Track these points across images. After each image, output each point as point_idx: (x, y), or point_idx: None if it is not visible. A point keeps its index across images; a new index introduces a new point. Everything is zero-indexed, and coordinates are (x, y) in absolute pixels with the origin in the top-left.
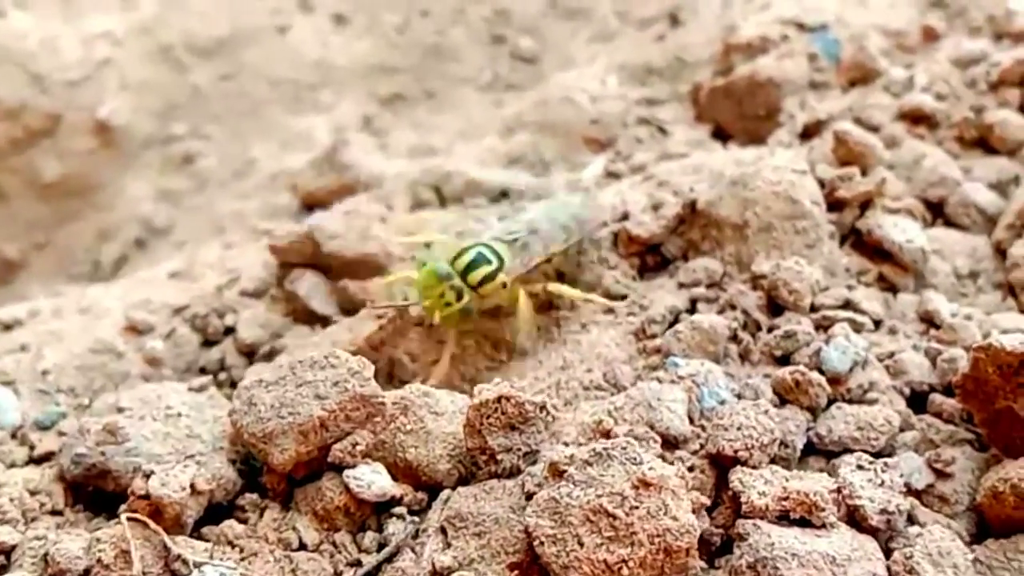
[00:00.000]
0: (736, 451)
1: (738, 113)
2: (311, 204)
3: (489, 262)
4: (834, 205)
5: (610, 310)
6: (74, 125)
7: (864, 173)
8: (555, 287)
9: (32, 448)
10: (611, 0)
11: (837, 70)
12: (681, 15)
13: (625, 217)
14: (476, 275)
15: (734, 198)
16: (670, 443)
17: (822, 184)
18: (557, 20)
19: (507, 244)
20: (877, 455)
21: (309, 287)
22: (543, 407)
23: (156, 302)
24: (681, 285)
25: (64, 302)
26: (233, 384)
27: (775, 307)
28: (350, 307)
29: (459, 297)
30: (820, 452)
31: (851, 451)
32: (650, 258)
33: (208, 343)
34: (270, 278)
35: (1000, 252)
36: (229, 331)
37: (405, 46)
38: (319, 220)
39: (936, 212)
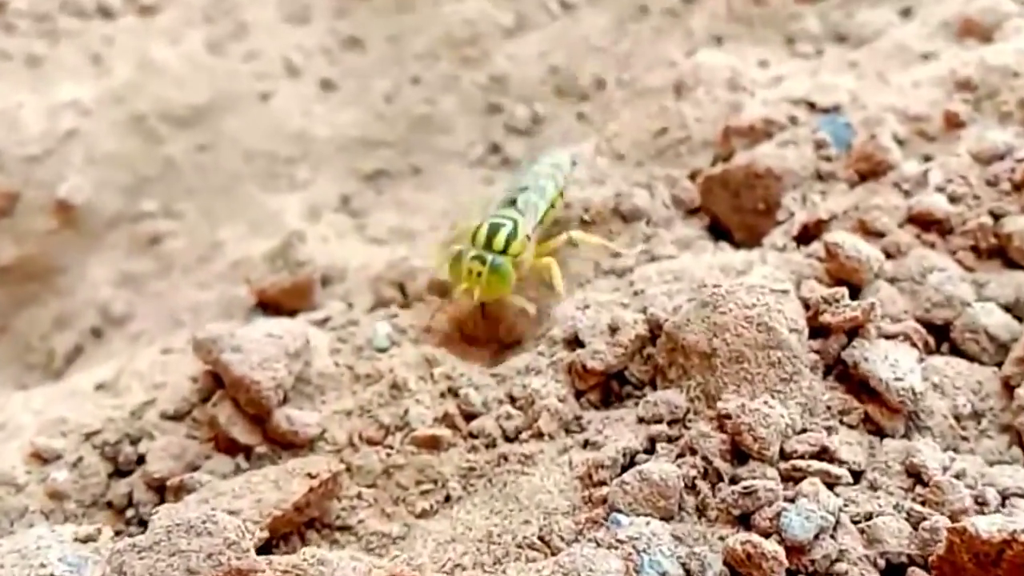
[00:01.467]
0: None
1: (735, 206)
2: (264, 303)
3: (504, 225)
4: (819, 331)
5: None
6: (32, 204)
7: (858, 290)
8: (577, 235)
9: None
10: (616, 67)
11: (846, 159)
12: (687, 86)
13: (581, 344)
14: (499, 240)
15: (703, 322)
16: None
17: (807, 305)
18: (557, 88)
19: (511, 207)
20: None
21: (230, 414)
22: None
23: (71, 422)
24: (641, 420)
25: None
26: (141, 523)
27: (740, 453)
28: (274, 436)
29: (483, 261)
30: None
31: None
32: (614, 383)
33: (119, 473)
34: (193, 397)
35: (1009, 389)
36: (142, 460)
37: (392, 116)
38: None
39: (941, 336)
